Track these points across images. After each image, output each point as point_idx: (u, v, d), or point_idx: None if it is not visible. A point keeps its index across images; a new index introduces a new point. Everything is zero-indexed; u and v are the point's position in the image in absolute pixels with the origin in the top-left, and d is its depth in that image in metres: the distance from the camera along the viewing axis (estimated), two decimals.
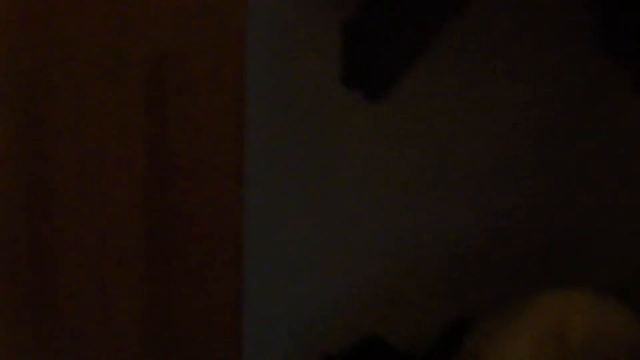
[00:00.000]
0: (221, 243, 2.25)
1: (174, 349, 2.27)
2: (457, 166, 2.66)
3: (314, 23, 2.52)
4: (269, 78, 2.50)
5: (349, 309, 2.59)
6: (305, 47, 2.51)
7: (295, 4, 2.49)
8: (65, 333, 2.25)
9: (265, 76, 2.48)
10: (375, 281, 2.63)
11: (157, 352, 2.26)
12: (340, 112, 2.52)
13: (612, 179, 2.81)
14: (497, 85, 2.67)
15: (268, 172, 2.48)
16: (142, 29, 2.18)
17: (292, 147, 2.56)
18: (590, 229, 2.83)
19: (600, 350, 2.27)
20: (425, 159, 2.64)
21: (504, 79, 2.68)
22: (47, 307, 2.27)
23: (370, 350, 2.54)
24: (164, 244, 2.25)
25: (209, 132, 2.26)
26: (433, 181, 2.66)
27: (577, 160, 2.78)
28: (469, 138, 2.68)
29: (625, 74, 2.74)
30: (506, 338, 2.35)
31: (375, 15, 2.60)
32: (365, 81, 2.58)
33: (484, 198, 2.72)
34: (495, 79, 2.67)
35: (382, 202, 2.66)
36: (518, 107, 2.69)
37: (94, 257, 2.25)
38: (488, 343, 2.37)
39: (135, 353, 2.32)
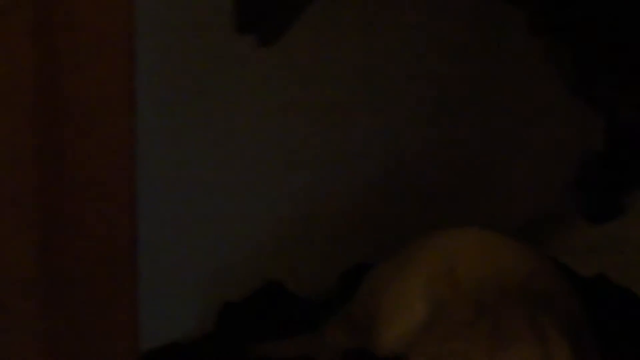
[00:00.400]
0: (113, 189, 2.18)
1: (66, 300, 2.28)
2: (352, 112, 2.64)
3: None
4: (161, 27, 2.46)
5: (250, 256, 2.58)
6: None
7: None
8: None
9: (158, 25, 2.44)
10: (275, 228, 2.62)
11: (49, 300, 2.24)
12: (234, 58, 2.49)
13: (509, 122, 2.86)
14: (393, 31, 2.65)
15: (165, 121, 2.41)
16: None
17: (187, 95, 2.50)
18: (484, 172, 2.86)
19: (491, 286, 2.28)
20: (321, 102, 2.62)
21: (401, 24, 2.67)
22: None
23: (270, 296, 2.53)
24: (55, 180, 2.18)
25: (100, 76, 2.13)
26: (330, 126, 2.65)
27: (474, 104, 2.82)
28: (363, 82, 2.68)
29: (519, 15, 2.74)
30: (398, 280, 2.37)
31: None
32: (258, 26, 2.55)
33: (381, 145, 2.72)
34: (391, 24, 2.65)
35: (282, 149, 2.64)
36: (414, 53, 2.70)
37: None
38: (382, 285, 2.39)
39: (28, 307, 2.32)
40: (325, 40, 2.64)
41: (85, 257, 1.82)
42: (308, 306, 2.55)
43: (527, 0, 2.75)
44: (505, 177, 2.87)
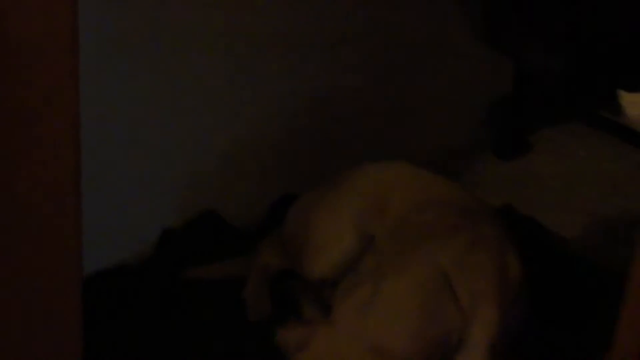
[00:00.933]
0: (57, 122, 2.10)
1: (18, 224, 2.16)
2: (288, 57, 2.64)
3: None
4: None
5: (188, 186, 2.60)
6: None
7: None
8: None
9: None
10: (212, 161, 2.64)
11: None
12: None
13: (425, 67, 2.90)
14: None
15: (110, 59, 2.32)
16: None
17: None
18: (403, 112, 2.97)
19: (421, 211, 2.34)
20: (268, 28, 2.61)
21: None
22: None
23: (206, 225, 2.55)
24: None
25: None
26: (271, 57, 2.63)
27: (395, 54, 2.83)
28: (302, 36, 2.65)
29: None
30: (330, 210, 2.43)
31: None
32: None
33: (313, 87, 2.73)
34: None
35: (225, 75, 2.61)
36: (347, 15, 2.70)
37: None
38: (313, 214, 2.44)
39: None
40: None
41: (34, 185, 1.81)
42: (241, 234, 2.59)
43: None
44: (422, 117, 2.94)
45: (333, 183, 2.52)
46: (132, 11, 2.51)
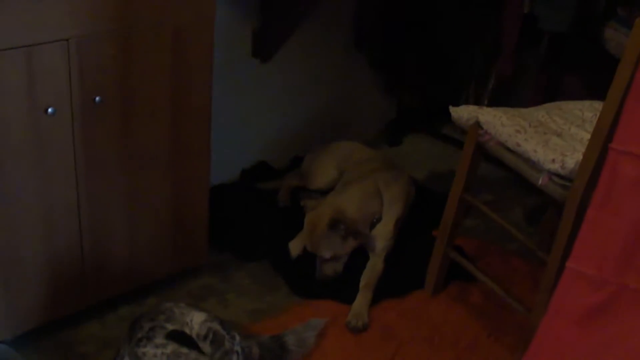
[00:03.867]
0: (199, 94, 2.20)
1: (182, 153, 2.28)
2: (296, 94, 3.13)
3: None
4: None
5: (252, 148, 3.12)
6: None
7: None
8: None
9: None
10: (264, 136, 3.14)
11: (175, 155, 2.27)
12: (244, 70, 2.89)
13: (356, 91, 3.36)
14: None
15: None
16: None
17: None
18: (349, 117, 3.38)
19: (366, 161, 2.90)
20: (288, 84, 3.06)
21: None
22: None
23: (262, 167, 3.15)
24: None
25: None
26: (294, 95, 3.12)
27: (340, 93, 3.31)
28: (304, 76, 3.13)
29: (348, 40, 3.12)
30: (322, 159, 3.02)
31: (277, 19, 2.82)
32: (262, 52, 2.91)
33: (312, 105, 3.23)
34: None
35: (278, 100, 3.08)
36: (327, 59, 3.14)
37: None
38: (314, 161, 3.03)
39: None
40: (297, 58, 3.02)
41: (190, 127, 2.25)
42: (278, 172, 3.16)
43: (369, 50, 3.20)
44: (354, 126, 3.45)
45: (324, 148, 3.08)
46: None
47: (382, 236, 2.70)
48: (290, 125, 3.26)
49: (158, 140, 2.23)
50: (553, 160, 2.06)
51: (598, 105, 2.34)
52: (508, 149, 2.24)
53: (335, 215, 2.54)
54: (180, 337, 2.03)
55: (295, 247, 2.69)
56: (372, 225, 2.70)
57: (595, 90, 2.36)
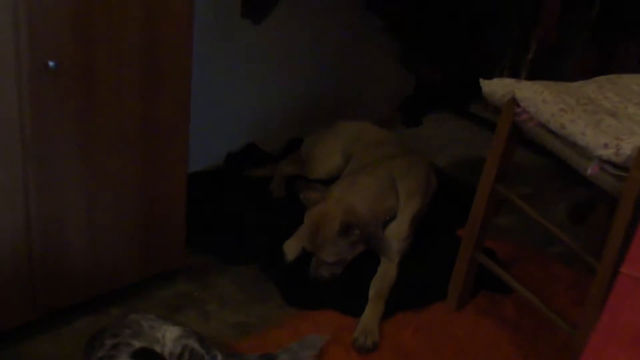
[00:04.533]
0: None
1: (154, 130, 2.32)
2: (300, 67, 3.23)
3: None
4: None
5: (241, 128, 3.21)
6: None
7: None
8: None
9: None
10: (255, 113, 3.23)
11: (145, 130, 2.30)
12: (232, 34, 2.99)
13: (365, 74, 3.51)
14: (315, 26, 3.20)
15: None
16: None
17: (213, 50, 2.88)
18: (358, 95, 3.57)
19: (377, 145, 2.95)
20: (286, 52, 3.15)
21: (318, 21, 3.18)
22: None
23: (250, 151, 3.23)
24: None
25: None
26: (290, 67, 3.21)
27: (348, 66, 3.43)
28: (308, 55, 3.23)
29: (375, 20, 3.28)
30: (326, 142, 3.08)
31: None
32: (253, 13, 3.00)
33: (313, 79, 3.34)
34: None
35: (271, 73, 3.15)
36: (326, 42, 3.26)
37: None
38: (316, 144, 3.08)
39: None
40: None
41: (164, 101, 2.29)
42: (269, 156, 3.24)
43: (383, 11, 3.30)
44: (364, 103, 3.56)
45: (327, 129, 3.12)
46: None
47: (396, 237, 2.74)
48: (287, 101, 3.34)
49: (125, 116, 2.25)
50: (605, 146, 2.07)
51: None
52: (551, 132, 2.26)
53: (347, 219, 2.60)
54: (149, 357, 2.04)
55: (291, 248, 2.74)
56: (385, 224, 2.74)
57: None
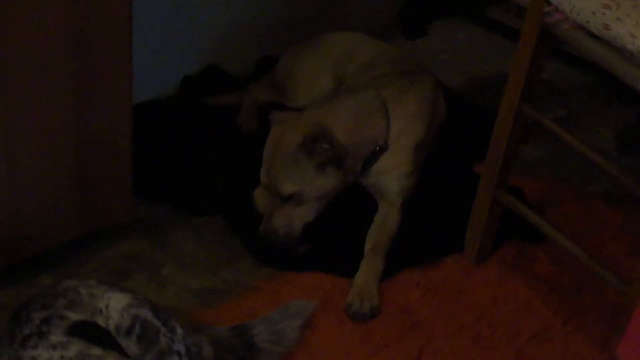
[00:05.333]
0: None
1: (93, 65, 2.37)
2: None
3: None
4: None
5: (201, 44, 3.24)
6: None
7: None
8: None
9: None
10: (218, 27, 3.26)
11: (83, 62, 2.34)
12: None
13: None
14: None
15: None
16: None
17: None
18: (344, 5, 3.59)
19: (376, 63, 2.99)
20: None
21: None
22: None
23: (212, 74, 3.27)
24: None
25: None
26: None
27: None
28: None
29: None
30: (311, 61, 3.10)
31: None
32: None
33: None
34: None
35: None
36: None
37: None
38: (298, 63, 3.10)
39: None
40: None
41: (101, 17, 2.31)
42: (235, 79, 3.27)
43: None
44: (353, 8, 3.61)
45: (311, 43, 3.12)
46: None
47: (394, 173, 2.77)
48: (255, 8, 3.35)
49: (50, 24, 2.23)
50: None
51: None
52: (591, 35, 2.25)
53: (314, 130, 2.62)
54: (90, 332, 2.03)
55: (262, 196, 2.76)
56: (374, 156, 2.77)
57: None
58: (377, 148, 2.77)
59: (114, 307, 2.07)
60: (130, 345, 2.04)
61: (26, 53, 2.24)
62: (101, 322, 2.06)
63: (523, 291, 2.64)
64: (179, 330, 2.11)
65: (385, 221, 2.73)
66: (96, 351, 2.01)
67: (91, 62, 2.36)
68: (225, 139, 3.03)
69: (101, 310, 2.07)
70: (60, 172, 2.44)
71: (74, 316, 2.06)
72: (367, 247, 2.66)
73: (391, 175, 2.78)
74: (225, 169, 2.90)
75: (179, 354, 2.08)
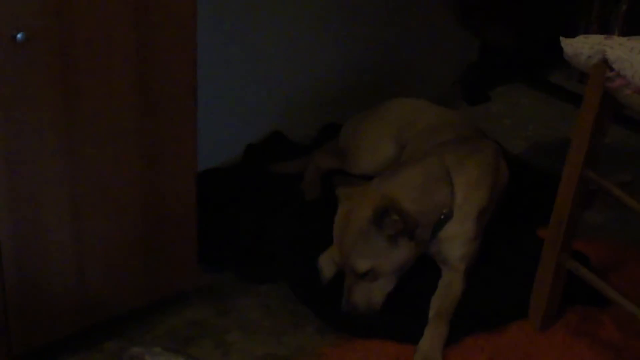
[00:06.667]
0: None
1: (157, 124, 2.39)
2: (335, 31, 3.34)
3: None
4: None
5: (262, 113, 3.27)
6: None
7: None
8: None
9: None
10: (279, 97, 3.28)
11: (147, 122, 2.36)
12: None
13: (421, 41, 3.59)
14: None
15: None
16: None
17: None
18: (408, 65, 3.64)
19: (437, 129, 2.98)
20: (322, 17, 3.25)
21: None
22: None
23: (275, 141, 3.28)
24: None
25: None
26: (320, 32, 3.29)
27: (400, 32, 3.53)
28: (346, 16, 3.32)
29: None
30: (374, 127, 3.10)
31: None
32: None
33: (350, 48, 3.41)
34: None
35: (297, 42, 3.23)
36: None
37: None
38: (361, 130, 3.11)
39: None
40: None
41: (166, 80, 2.34)
42: (299, 147, 3.27)
43: None
44: (419, 76, 3.62)
45: (373, 110, 3.12)
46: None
47: (457, 240, 2.75)
48: (319, 76, 3.37)
49: (117, 101, 2.26)
50: None
51: None
52: None
53: (382, 203, 2.58)
54: None
55: (328, 263, 2.75)
56: (440, 225, 2.75)
57: None
58: (443, 216, 2.75)
59: None
60: None
61: (95, 119, 2.26)
62: None
63: (589, 358, 2.60)
64: None
65: (449, 287, 2.71)
66: None
67: (157, 128, 2.39)
68: (289, 206, 3.02)
69: None
70: (126, 238, 2.45)
71: None
72: (431, 313, 2.65)
73: (455, 242, 2.76)
74: (289, 236, 2.88)
75: None
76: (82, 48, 2.17)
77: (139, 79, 2.29)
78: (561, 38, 2.41)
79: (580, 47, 2.37)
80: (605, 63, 2.33)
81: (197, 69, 2.40)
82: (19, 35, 2.06)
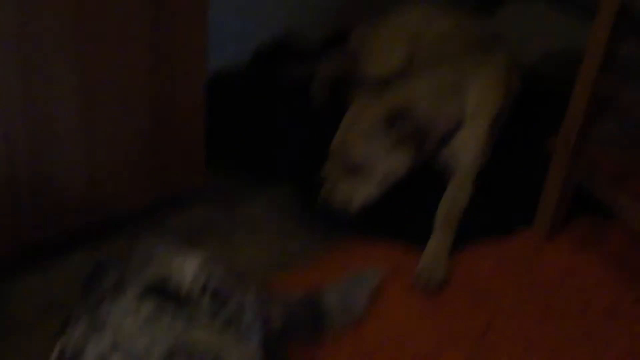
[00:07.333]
0: None
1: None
2: None
3: None
4: None
5: (268, 13, 3.30)
6: None
7: None
8: None
9: None
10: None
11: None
12: None
13: None
14: None
15: None
16: None
17: None
18: None
19: (449, 37, 2.97)
20: None
21: None
22: None
23: (284, 47, 3.28)
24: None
25: None
26: None
27: None
28: None
29: None
30: (385, 34, 3.09)
31: None
32: None
33: None
34: None
35: None
36: None
37: None
38: (371, 36, 3.11)
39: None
40: None
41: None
42: (313, 52, 3.27)
43: None
44: None
45: (386, 15, 3.11)
46: None
47: (469, 144, 2.76)
48: None
49: None
50: None
51: None
52: None
53: (399, 105, 2.60)
54: (162, 294, 2.04)
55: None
56: (450, 135, 2.75)
57: None
58: (453, 127, 2.76)
59: (188, 267, 2.07)
60: (203, 304, 2.04)
61: (103, 17, 2.25)
62: (174, 282, 2.06)
63: (594, 266, 2.60)
64: (252, 291, 2.11)
65: (456, 195, 2.71)
66: (168, 314, 2.01)
67: (167, 26, 2.36)
68: (297, 109, 3.04)
69: (175, 271, 2.07)
70: (134, 138, 2.46)
71: (147, 277, 2.06)
72: (437, 220, 2.64)
73: (465, 149, 2.76)
74: (298, 139, 2.90)
75: (251, 314, 2.08)
76: None
77: None
78: None
79: None
80: None
81: None
82: None
